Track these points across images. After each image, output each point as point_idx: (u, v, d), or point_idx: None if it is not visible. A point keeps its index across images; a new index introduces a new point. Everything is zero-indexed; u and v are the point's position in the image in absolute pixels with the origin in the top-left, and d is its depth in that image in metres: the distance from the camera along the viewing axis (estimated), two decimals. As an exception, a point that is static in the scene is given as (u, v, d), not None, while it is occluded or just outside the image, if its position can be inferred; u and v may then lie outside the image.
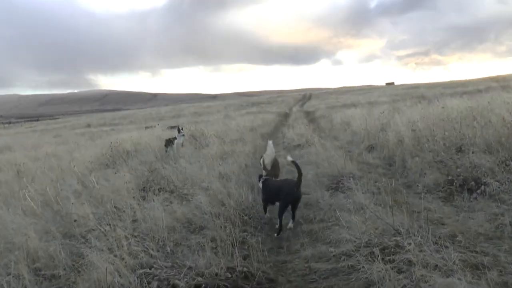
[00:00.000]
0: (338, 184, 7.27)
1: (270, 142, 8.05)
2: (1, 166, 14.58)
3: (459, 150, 7.94)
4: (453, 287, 3.35)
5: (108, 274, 3.92)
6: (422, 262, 3.79)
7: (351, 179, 7.16)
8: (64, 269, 4.50)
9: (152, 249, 4.73)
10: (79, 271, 4.31)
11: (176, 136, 13.63)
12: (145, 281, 3.98)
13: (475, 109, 10.97)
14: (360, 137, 12.53)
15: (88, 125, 49.84)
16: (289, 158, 6.30)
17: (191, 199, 6.76)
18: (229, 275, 4.19)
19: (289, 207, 5.82)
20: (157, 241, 5.05)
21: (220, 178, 7.98)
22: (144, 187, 7.91)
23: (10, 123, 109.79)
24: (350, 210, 5.52)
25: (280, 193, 5.85)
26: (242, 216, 6.03)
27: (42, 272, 4.56)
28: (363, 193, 6.19)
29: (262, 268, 4.49)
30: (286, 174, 8.72)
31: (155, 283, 4.00)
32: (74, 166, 8.98)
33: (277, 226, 5.80)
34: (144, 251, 4.67)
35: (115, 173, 8.81)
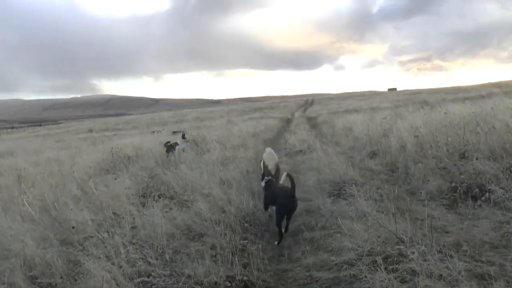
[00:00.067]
0: (340, 191, 7.18)
1: (269, 149, 7.94)
2: (2, 171, 14.56)
3: (463, 156, 7.83)
4: (458, 298, 3.27)
5: (105, 283, 3.85)
6: (426, 271, 3.70)
7: (353, 185, 7.07)
8: (61, 277, 4.42)
9: (151, 257, 4.64)
10: (75, 280, 4.23)
11: (179, 142, 13.69)
12: (143, 290, 3.91)
13: (478, 114, 10.86)
14: (362, 143, 12.44)
15: (91, 130, 49.93)
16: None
17: (191, 205, 6.67)
18: (229, 284, 4.12)
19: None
20: (156, 248, 4.97)
21: (221, 184, 7.90)
22: (144, 193, 7.83)
23: (13, 127, 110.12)
24: (352, 217, 5.41)
25: (276, 200, 5.88)
26: (243, 223, 5.94)
27: (39, 280, 4.48)
28: (365, 200, 6.08)
29: (262, 277, 4.41)
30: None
31: (152, 292, 3.93)
32: (73, 172, 8.90)
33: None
34: (143, 258, 4.59)
35: (115, 179, 8.74)
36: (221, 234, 5.29)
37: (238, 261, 4.55)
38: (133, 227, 5.71)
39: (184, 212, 6.35)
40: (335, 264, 4.42)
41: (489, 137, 8.14)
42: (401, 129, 11.18)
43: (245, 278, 4.26)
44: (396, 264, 3.93)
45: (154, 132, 26.90)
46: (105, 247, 4.79)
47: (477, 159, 7.18)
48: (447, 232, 4.95)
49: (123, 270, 4.19)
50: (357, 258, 4.28)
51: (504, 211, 5.45)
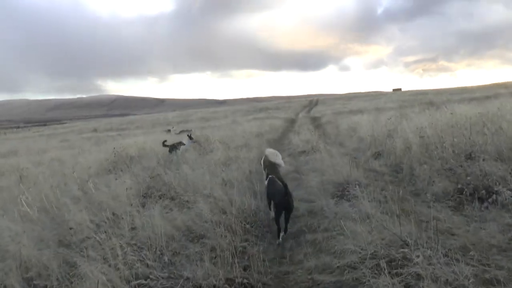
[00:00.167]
0: (344, 192, 7.05)
1: (271, 150, 7.80)
2: (4, 171, 14.54)
3: (469, 157, 7.68)
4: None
5: (101, 286, 3.74)
6: (431, 276, 3.57)
7: (357, 186, 6.93)
8: (57, 279, 4.32)
9: (149, 259, 4.55)
10: (71, 282, 4.13)
11: (185, 141, 13.70)
12: (139, 293, 3.81)
13: (485, 115, 10.69)
14: (366, 144, 12.28)
15: (95, 130, 50.04)
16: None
17: (192, 206, 6.58)
18: (228, 287, 4.01)
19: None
20: (154, 250, 4.87)
21: (222, 185, 7.79)
22: (145, 194, 7.75)
23: (18, 127, 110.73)
24: (356, 219, 5.26)
25: (274, 198, 6.00)
26: (244, 224, 5.84)
27: (35, 282, 4.39)
28: (369, 201, 5.94)
29: (262, 280, 4.31)
30: (291, 181, 8.54)
31: (149, 296, 3.83)
32: (73, 172, 8.81)
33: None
34: (141, 260, 4.50)
35: (116, 179, 8.64)
36: (221, 236, 5.20)
37: (238, 263, 4.46)
38: (133, 228, 5.62)
39: (185, 213, 6.26)
40: (338, 267, 4.30)
41: (496, 138, 7.99)
42: (406, 130, 11.02)
43: (245, 281, 4.16)
44: (401, 268, 3.81)
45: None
46: (103, 248, 4.69)
47: (483, 160, 7.03)
48: (453, 235, 4.82)
49: (120, 273, 4.09)
50: (360, 261, 4.16)
51: (512, 214, 5.32)
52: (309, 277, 4.33)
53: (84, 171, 10.99)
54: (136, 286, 3.94)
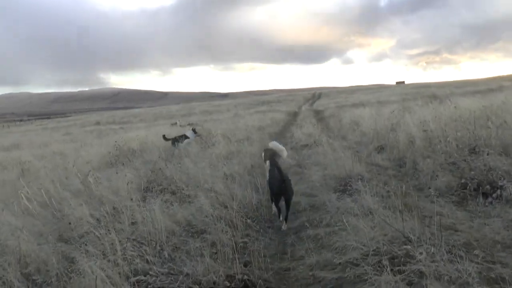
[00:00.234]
0: (346, 187, 6.98)
1: (274, 143, 7.72)
2: (7, 165, 14.52)
3: (473, 151, 7.60)
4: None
5: (99, 282, 3.69)
6: (434, 273, 3.50)
7: (360, 181, 6.87)
8: (56, 275, 4.28)
9: (149, 254, 4.51)
10: (70, 278, 4.08)
11: (189, 135, 13.81)
12: (139, 289, 3.76)
13: (489, 108, 10.60)
14: (369, 138, 12.20)
15: (98, 123, 50.05)
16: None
17: (193, 200, 6.54)
18: (228, 284, 3.95)
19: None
20: (154, 245, 4.81)
21: (224, 179, 7.74)
22: (146, 188, 7.70)
23: (21, 120, 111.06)
24: (358, 214, 5.21)
25: (272, 185, 6.18)
26: (245, 219, 5.78)
27: (33, 278, 4.35)
28: (371, 196, 5.87)
29: (263, 276, 4.25)
30: (293, 175, 8.49)
31: (148, 292, 3.79)
32: (73, 166, 8.77)
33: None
34: (140, 256, 4.45)
35: (116, 173, 8.60)
36: (222, 231, 5.14)
37: (239, 259, 4.40)
38: (133, 223, 5.58)
39: (185, 207, 6.21)
40: (339, 263, 4.23)
41: (500, 132, 7.90)
42: (410, 124, 10.94)
43: (245, 277, 4.09)
44: (403, 265, 3.73)
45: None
46: (102, 244, 4.64)
47: (488, 154, 6.94)
48: (456, 231, 4.75)
49: (120, 269, 4.04)
50: (362, 258, 4.09)
51: (517, 209, 5.24)
52: (310, 273, 4.27)
53: (85, 164, 10.96)
54: (135, 283, 3.89)
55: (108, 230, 4.95)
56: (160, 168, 8.82)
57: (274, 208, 6.31)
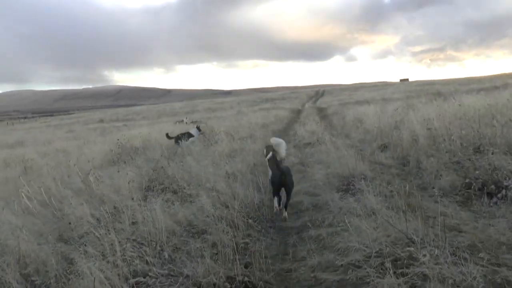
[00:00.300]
0: (349, 186, 6.92)
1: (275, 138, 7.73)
2: (10, 162, 14.53)
3: (478, 150, 7.51)
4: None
5: (98, 283, 3.65)
6: (438, 276, 3.43)
7: (363, 180, 6.80)
8: (55, 276, 4.24)
9: (149, 255, 4.45)
10: (69, 279, 4.04)
11: (194, 132, 13.97)
12: (138, 291, 3.72)
13: (494, 106, 10.48)
14: (372, 135, 12.12)
15: (101, 121, 50.13)
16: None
17: (194, 200, 6.48)
18: (228, 286, 3.90)
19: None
20: (154, 246, 4.76)
21: (226, 177, 7.68)
22: (148, 186, 7.65)
23: (25, 118, 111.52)
24: (361, 215, 5.14)
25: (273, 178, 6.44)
26: (247, 219, 5.71)
27: (32, 279, 4.31)
28: (374, 195, 5.81)
29: (264, 278, 4.19)
30: (296, 173, 8.44)
31: (147, 294, 3.74)
32: (74, 165, 8.74)
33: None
34: (140, 257, 4.40)
35: (118, 171, 8.55)
36: (223, 231, 5.08)
37: (240, 260, 4.33)
38: (133, 223, 5.52)
39: (187, 207, 6.16)
40: (341, 265, 4.17)
41: (506, 130, 7.80)
42: (413, 121, 10.84)
43: (246, 279, 4.03)
44: (406, 267, 3.66)
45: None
46: (102, 244, 4.59)
47: (493, 153, 6.83)
48: (460, 232, 4.67)
49: (119, 270, 3.99)
50: (365, 260, 4.03)
51: (522, 210, 5.16)
52: (312, 275, 4.21)
53: (88, 163, 10.93)
54: (134, 284, 3.84)
55: (108, 230, 4.90)
56: (162, 167, 8.78)
57: (275, 203, 6.31)
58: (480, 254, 3.88)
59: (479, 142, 7.80)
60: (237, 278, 4.00)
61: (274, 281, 4.22)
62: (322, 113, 27.29)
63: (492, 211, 5.29)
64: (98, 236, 4.75)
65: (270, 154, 6.81)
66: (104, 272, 3.81)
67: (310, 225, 5.53)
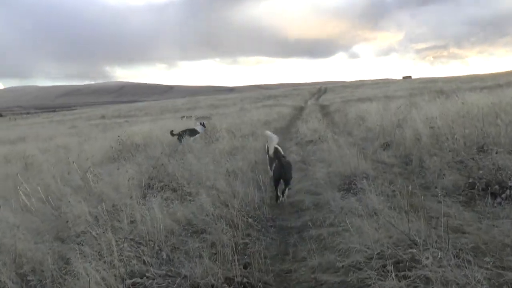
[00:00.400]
0: (351, 185, 6.83)
1: (268, 133, 7.99)
2: (11, 158, 14.47)
3: (481, 149, 7.40)
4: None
5: (94, 284, 3.59)
6: (441, 279, 3.34)
7: (365, 179, 6.71)
8: (52, 276, 4.17)
9: (147, 255, 4.39)
10: (65, 280, 3.97)
11: (199, 129, 14.11)
12: (134, 292, 3.65)
13: (498, 105, 10.37)
14: (375, 134, 12.00)
15: (103, 117, 50.14)
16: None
17: (194, 198, 6.41)
18: (226, 287, 3.83)
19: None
20: (152, 245, 4.70)
21: (226, 175, 7.61)
22: (147, 184, 7.58)
23: (28, 113, 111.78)
24: (362, 215, 5.04)
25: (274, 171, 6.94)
26: (247, 219, 5.64)
27: (28, 278, 4.25)
28: (376, 195, 5.71)
29: (263, 279, 4.12)
30: (297, 171, 8.38)
31: (144, 296, 3.67)
32: (73, 162, 8.66)
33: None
34: (138, 257, 4.34)
35: (118, 169, 8.48)
36: (222, 231, 5.01)
37: (239, 260, 4.28)
38: (132, 222, 5.45)
39: (186, 205, 6.09)
40: (342, 266, 4.09)
41: (510, 129, 7.70)
42: (416, 120, 10.73)
43: (244, 280, 3.96)
44: (408, 270, 3.57)
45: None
46: (99, 244, 4.52)
47: (497, 153, 6.71)
48: (463, 233, 4.58)
49: (116, 270, 3.93)
50: (366, 262, 3.94)
51: (527, 210, 5.06)
52: (312, 276, 4.13)
53: (88, 159, 10.87)
54: (131, 285, 3.77)
55: (106, 229, 4.83)
56: (162, 164, 8.70)
57: (278, 192, 6.83)
58: (483, 256, 3.78)
59: (483, 141, 7.69)
60: (236, 279, 3.93)
61: (273, 282, 4.15)
62: (324, 110, 27.18)
63: (496, 211, 5.19)
64: (95, 235, 4.69)
65: (273, 149, 7.25)
66: (100, 272, 3.75)
67: (311, 225, 5.45)
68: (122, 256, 4.25)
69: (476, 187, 5.87)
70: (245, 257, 4.59)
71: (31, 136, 27.19)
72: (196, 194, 6.55)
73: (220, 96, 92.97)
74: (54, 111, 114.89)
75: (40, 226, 5.67)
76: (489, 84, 29.81)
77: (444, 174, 6.75)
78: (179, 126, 16.57)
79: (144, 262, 4.24)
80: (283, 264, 4.58)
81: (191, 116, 26.06)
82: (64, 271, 4.16)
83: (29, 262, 4.48)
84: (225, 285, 3.84)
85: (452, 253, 3.75)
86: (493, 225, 4.72)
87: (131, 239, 4.78)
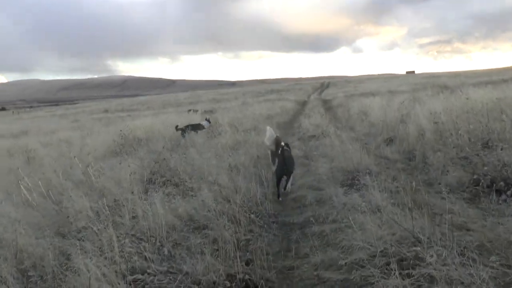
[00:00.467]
0: (354, 181, 6.79)
1: (269, 128, 8.17)
2: (14, 152, 14.48)
3: (486, 145, 7.33)
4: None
5: (94, 280, 3.55)
6: (445, 278, 3.29)
7: (368, 175, 6.66)
8: (53, 272, 4.14)
9: (148, 251, 4.36)
10: (66, 276, 3.94)
11: (204, 124, 14.38)
12: (135, 289, 3.62)
13: (503, 100, 10.27)
14: (378, 129, 11.93)
15: (106, 111, 50.13)
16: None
17: (196, 194, 6.36)
18: (228, 284, 3.80)
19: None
20: (154, 241, 4.67)
21: (229, 170, 7.57)
22: (149, 179, 7.55)
23: (31, 107, 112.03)
24: (365, 211, 4.99)
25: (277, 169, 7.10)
26: (249, 215, 5.59)
27: (29, 274, 4.22)
28: (380, 191, 5.66)
29: (265, 276, 4.08)
30: (299, 166, 8.33)
31: (145, 293, 3.64)
32: (74, 157, 8.63)
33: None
34: (139, 253, 4.30)
35: (120, 163, 8.44)
36: (224, 227, 4.97)
37: (241, 257, 4.23)
38: (133, 217, 5.42)
39: (188, 201, 6.04)
40: (345, 264, 4.04)
41: (515, 125, 7.62)
42: (420, 115, 10.65)
43: (246, 277, 3.93)
44: (412, 268, 3.53)
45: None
46: (100, 239, 4.49)
47: (502, 149, 6.62)
48: (468, 230, 4.53)
49: (116, 266, 3.90)
50: (369, 259, 3.89)
51: (533, 208, 5.00)
52: (315, 273, 4.09)
53: (90, 154, 10.84)
54: (132, 282, 3.74)
55: (107, 225, 4.79)
56: (164, 159, 8.67)
57: (280, 188, 6.96)
58: (491, 257, 3.72)
59: (488, 137, 7.62)
60: (238, 276, 3.90)
61: (275, 279, 4.11)
62: (327, 105, 27.10)
63: (501, 209, 5.12)
64: (96, 231, 4.66)
65: (274, 143, 7.40)
66: (101, 268, 3.71)
67: (313, 221, 5.40)
68: (123, 252, 4.23)
69: (480, 183, 5.81)
70: (247, 253, 4.55)
71: (33, 130, 27.22)
72: (198, 189, 6.51)
73: (222, 90, 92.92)
74: (56, 104, 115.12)
75: (42, 221, 5.64)
76: (493, 79, 29.64)
77: (448, 170, 6.70)
78: (181, 120, 16.55)
79: (145, 258, 4.20)
80: (285, 261, 4.54)
81: (197, 110, 26.05)
82: (65, 267, 4.13)
83: (30, 257, 4.46)
84: (226, 282, 3.81)
85: (456, 251, 3.70)
86: (498, 223, 4.67)
87: (133, 235, 4.75)
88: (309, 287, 3.93)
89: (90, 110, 55.02)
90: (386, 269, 3.62)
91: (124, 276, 3.79)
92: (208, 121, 14.89)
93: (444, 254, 3.64)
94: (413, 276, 3.44)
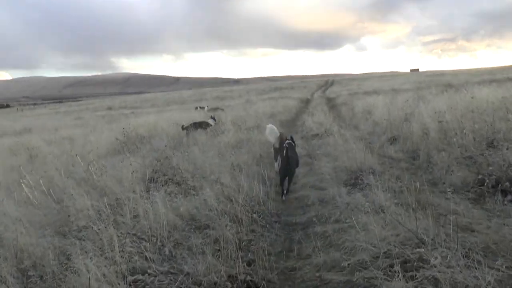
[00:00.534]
0: (357, 180, 6.73)
1: (270, 125, 8.31)
2: (17, 150, 14.49)
3: (491, 145, 7.25)
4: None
5: (94, 281, 3.52)
6: (450, 281, 3.23)
7: (371, 174, 6.61)
8: (53, 272, 4.11)
9: (149, 251, 4.32)
10: (65, 276, 3.91)
11: (211, 122, 14.50)
12: (135, 290, 3.58)
13: (508, 99, 10.16)
14: (382, 128, 11.85)
15: (110, 108, 50.22)
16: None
17: (198, 193, 6.32)
18: (230, 285, 3.76)
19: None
20: (155, 241, 4.63)
21: (231, 169, 7.52)
22: (151, 178, 7.50)
23: (35, 104, 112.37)
24: (369, 211, 4.93)
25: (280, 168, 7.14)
26: (251, 214, 5.55)
27: (29, 273, 4.19)
28: (383, 191, 5.60)
29: (267, 277, 4.04)
30: (302, 165, 8.28)
31: (145, 294, 3.60)
32: (76, 155, 8.60)
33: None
34: (140, 253, 4.27)
35: (122, 161, 8.41)
36: (226, 227, 4.92)
37: (242, 257, 4.19)
38: (135, 216, 5.38)
39: (190, 200, 6.00)
40: (348, 265, 3.98)
41: (521, 125, 7.53)
42: (424, 114, 10.57)
43: (248, 278, 3.89)
44: (416, 270, 3.46)
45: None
46: (100, 239, 4.45)
47: (507, 149, 6.52)
48: (473, 231, 4.47)
49: (117, 267, 3.86)
50: (372, 261, 3.83)
51: (538, 209, 4.93)
52: (317, 274, 4.04)
53: (93, 151, 10.82)
54: (132, 282, 3.70)
55: (108, 224, 4.76)
56: (166, 157, 8.62)
57: (283, 188, 6.89)
58: (496, 260, 3.65)
59: (493, 137, 7.54)
60: (239, 277, 3.86)
61: (277, 280, 4.07)
62: (330, 103, 27.00)
63: (506, 209, 5.06)
64: (97, 230, 4.62)
65: (287, 141, 7.45)
66: (101, 269, 3.68)
67: (316, 221, 5.35)
68: (123, 252, 4.18)
69: (485, 184, 5.73)
70: (249, 254, 4.51)
71: (37, 127, 27.29)
72: (200, 188, 6.46)
73: (226, 88, 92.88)
74: (60, 102, 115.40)
75: (43, 219, 5.61)
76: (498, 78, 29.47)
77: (452, 170, 6.62)
78: (184, 118, 16.53)
79: (146, 259, 4.17)
80: (287, 262, 4.49)
81: (204, 108, 26.12)
82: (65, 267, 4.09)
83: (30, 257, 4.43)
84: (228, 283, 3.77)
85: (461, 253, 3.64)
86: (504, 224, 4.60)
87: (133, 234, 4.71)
88: (311, 288, 3.88)
89: (93, 107, 55.13)
90: (390, 271, 3.57)
91: (124, 277, 3.76)
92: (214, 119, 15.02)
93: (448, 256, 3.57)
94: (417, 278, 3.37)
